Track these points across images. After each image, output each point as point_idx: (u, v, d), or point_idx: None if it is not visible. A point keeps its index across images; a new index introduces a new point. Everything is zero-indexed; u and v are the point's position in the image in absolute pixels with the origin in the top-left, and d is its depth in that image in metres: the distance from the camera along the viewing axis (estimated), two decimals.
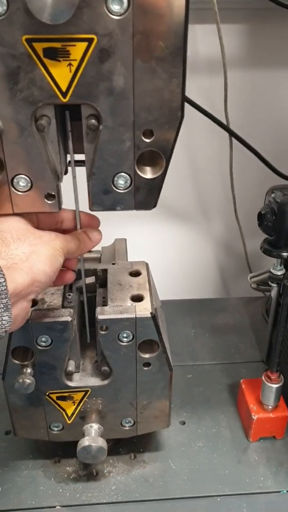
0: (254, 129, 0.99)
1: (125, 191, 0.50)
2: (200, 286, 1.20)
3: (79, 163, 0.53)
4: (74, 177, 0.54)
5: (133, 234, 0.91)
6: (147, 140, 0.48)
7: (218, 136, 0.98)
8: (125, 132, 0.47)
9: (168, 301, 0.99)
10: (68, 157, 0.54)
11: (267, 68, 0.97)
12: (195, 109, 0.91)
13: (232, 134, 0.96)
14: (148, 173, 0.50)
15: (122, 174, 0.49)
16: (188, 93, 0.87)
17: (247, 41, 0.94)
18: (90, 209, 0.52)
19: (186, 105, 0.88)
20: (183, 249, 1.16)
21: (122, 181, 0.50)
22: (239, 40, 0.94)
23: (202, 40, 0.93)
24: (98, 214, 0.56)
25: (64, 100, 0.45)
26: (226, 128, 0.95)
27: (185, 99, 0.89)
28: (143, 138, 0.48)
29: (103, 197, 0.51)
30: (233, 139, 0.96)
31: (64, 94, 0.44)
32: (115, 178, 0.50)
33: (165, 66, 0.44)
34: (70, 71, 0.43)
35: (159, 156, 0.49)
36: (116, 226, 0.92)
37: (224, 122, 0.94)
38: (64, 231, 0.56)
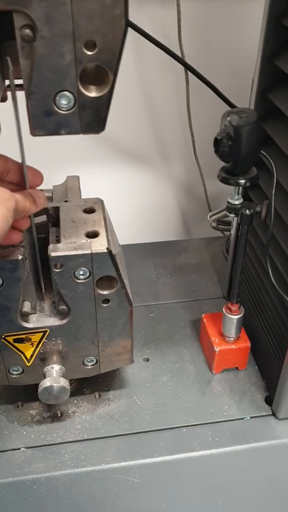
0: (210, 62, 0.95)
1: (69, 112, 0.47)
2: (162, 229, 1.19)
3: (19, 86, 0.49)
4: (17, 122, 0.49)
5: (89, 179, 0.87)
6: (90, 53, 0.44)
7: (173, 71, 0.94)
8: (65, 44, 0.43)
9: (130, 245, 0.98)
10: (7, 82, 0.50)
11: None
12: (148, 40, 0.87)
13: (187, 67, 0.92)
14: (93, 91, 0.46)
15: (64, 92, 0.46)
16: (140, 24, 0.84)
17: None
18: (32, 134, 0.48)
19: (139, 37, 0.84)
20: (143, 193, 1.13)
21: (64, 101, 0.46)
22: None
23: None
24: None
25: None
26: (181, 60, 0.91)
27: (137, 30, 0.84)
28: (85, 50, 0.44)
29: (45, 119, 0.47)
30: (189, 73, 0.92)
31: None
32: (57, 98, 0.46)
33: None
34: None
35: (104, 71, 0.45)
36: (70, 173, 0.88)
37: (179, 54, 0.90)
38: (3, 181, 0.53)
